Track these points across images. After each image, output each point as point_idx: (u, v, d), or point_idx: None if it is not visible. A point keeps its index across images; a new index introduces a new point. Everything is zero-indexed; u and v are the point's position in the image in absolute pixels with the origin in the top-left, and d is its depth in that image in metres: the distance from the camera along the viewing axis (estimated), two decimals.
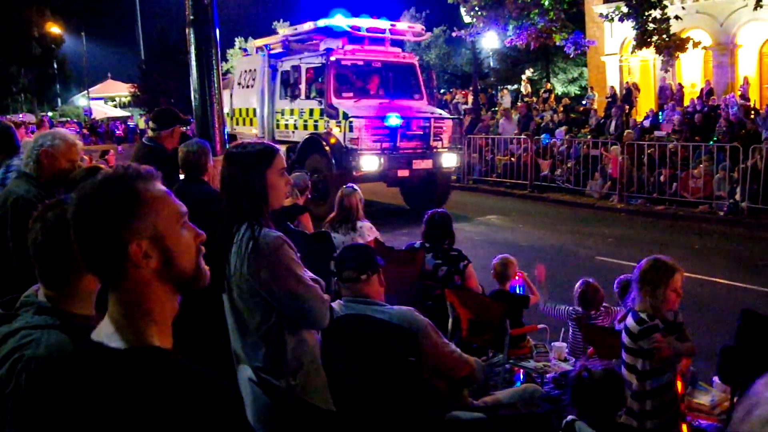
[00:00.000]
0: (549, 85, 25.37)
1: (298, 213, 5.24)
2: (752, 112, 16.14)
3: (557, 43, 16.89)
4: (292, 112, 13.56)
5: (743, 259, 9.60)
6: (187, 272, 1.43)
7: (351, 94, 12.87)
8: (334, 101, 12.44)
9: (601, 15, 17.86)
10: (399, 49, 14.12)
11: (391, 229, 10.32)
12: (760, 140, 13.69)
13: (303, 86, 13.09)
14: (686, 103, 18.74)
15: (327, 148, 12.06)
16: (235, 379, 2.75)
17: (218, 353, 2.87)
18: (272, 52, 14.27)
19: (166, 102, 47.44)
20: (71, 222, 1.36)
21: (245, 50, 17.06)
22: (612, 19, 16.38)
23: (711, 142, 14.19)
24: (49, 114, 49.79)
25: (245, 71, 15.28)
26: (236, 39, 44.08)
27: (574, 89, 28.18)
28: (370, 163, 11.93)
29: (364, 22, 13.29)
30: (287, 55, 13.99)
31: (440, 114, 13.53)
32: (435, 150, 12.65)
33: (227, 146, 5.74)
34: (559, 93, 26.32)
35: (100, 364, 1.32)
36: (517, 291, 5.17)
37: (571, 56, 19.53)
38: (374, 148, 12.04)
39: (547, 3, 14.28)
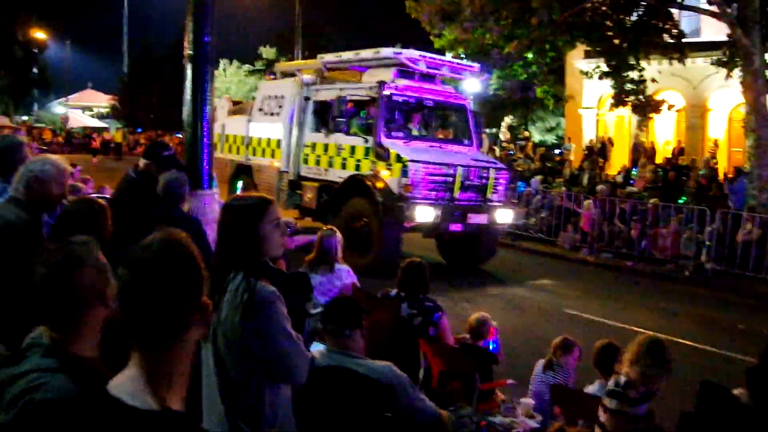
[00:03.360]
0: (527, 132, 25.86)
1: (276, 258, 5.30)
2: (723, 175, 16.65)
3: (538, 96, 17.34)
4: (326, 147, 12.14)
5: (707, 322, 9.86)
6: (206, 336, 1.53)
7: (401, 134, 11.72)
8: (384, 141, 11.17)
9: (581, 72, 18.39)
10: (451, 88, 13.08)
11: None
12: (726, 203, 14.16)
13: (345, 120, 11.67)
14: (658, 160, 19.30)
15: (376, 192, 10.71)
16: None
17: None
18: (304, 78, 13.03)
19: (146, 116, 47.33)
20: (136, 290, 1.40)
21: (272, 73, 15.72)
22: (591, 77, 16.87)
23: (681, 201, 14.62)
24: (24, 118, 49.20)
25: (269, 97, 13.86)
26: (221, 60, 44.25)
27: (551, 138, 28.79)
28: (425, 213, 10.59)
29: (422, 56, 12.15)
30: (321, 84, 12.85)
31: (496, 163, 12.57)
32: (491, 203, 11.50)
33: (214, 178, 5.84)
34: (537, 141, 26.85)
35: (122, 422, 1.36)
36: (490, 347, 5.27)
37: (550, 108, 19.99)
38: (430, 197, 10.77)
39: (530, 56, 14.71)
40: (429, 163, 10.88)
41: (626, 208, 14.55)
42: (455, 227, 11.07)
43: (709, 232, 12.91)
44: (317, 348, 3.32)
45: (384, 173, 10.90)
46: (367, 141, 11.33)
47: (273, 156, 13.36)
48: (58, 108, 56.36)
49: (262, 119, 13.92)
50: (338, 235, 6.07)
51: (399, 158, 10.76)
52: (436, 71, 12.28)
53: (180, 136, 37.83)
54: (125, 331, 1.45)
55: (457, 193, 11.04)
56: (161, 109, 44.55)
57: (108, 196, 5.49)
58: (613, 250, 14.32)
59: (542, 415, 4.76)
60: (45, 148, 27.68)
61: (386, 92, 11.35)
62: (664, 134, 22.50)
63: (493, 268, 12.45)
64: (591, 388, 4.66)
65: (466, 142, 12.65)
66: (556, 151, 24.36)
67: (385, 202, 10.55)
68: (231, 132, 15.01)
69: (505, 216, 11.76)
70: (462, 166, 11.13)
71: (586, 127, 23.85)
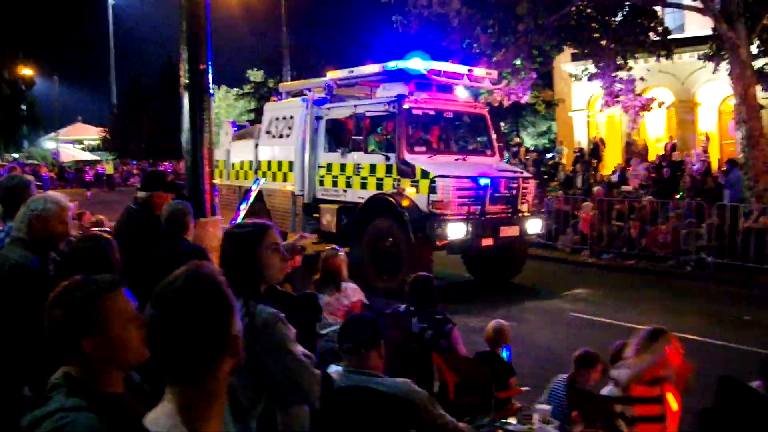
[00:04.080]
0: (518, 138, 25.95)
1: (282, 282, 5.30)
2: (717, 168, 16.73)
3: (529, 102, 17.42)
4: (343, 167, 11.72)
5: (713, 315, 9.85)
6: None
7: (424, 149, 11.26)
8: (408, 157, 10.77)
9: (570, 75, 18.48)
10: (470, 98, 12.69)
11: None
12: (722, 196, 14.23)
13: (363, 138, 11.27)
14: (652, 158, 19.40)
15: (403, 211, 10.30)
16: None
17: None
18: (315, 97, 12.58)
19: (137, 147, 47.39)
20: (164, 328, 1.41)
21: (276, 94, 15.33)
22: (580, 79, 16.98)
23: (679, 196, 14.69)
24: (15, 155, 49.19)
25: (277, 119, 13.39)
26: (211, 86, 44.31)
27: (543, 142, 28.91)
28: (456, 230, 10.18)
29: (442, 66, 11.66)
30: (331, 102, 12.42)
31: (523, 172, 12.28)
32: (521, 215, 11.15)
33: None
34: (529, 146, 26.97)
35: None
36: (503, 355, 5.27)
37: (541, 113, 20.08)
38: (460, 212, 10.36)
39: (519, 62, 14.82)
40: (458, 177, 10.46)
41: (623, 208, 14.60)
42: (487, 242, 10.62)
43: (708, 225, 12.97)
44: (334, 369, 3.31)
45: (410, 191, 10.54)
46: (388, 158, 10.94)
47: (285, 180, 12.93)
48: (48, 143, 56.36)
49: (270, 142, 13.48)
50: (342, 253, 6.07)
51: (425, 174, 10.37)
52: (455, 81, 11.90)
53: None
54: (156, 367, 1.45)
55: (487, 207, 10.62)
56: (152, 138, 44.63)
57: (109, 230, 5.48)
58: (613, 250, 14.34)
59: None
60: (40, 184, 27.60)
61: (406, 106, 10.94)
62: (656, 131, 22.63)
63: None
64: (606, 390, 4.66)
65: (488, 152, 12.24)
66: (549, 155, 24.47)
67: (414, 220, 10.16)
68: (237, 157, 14.59)
69: (534, 226, 11.42)
70: (491, 177, 10.74)
71: (577, 129, 23.98)
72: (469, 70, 12.09)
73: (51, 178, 38.07)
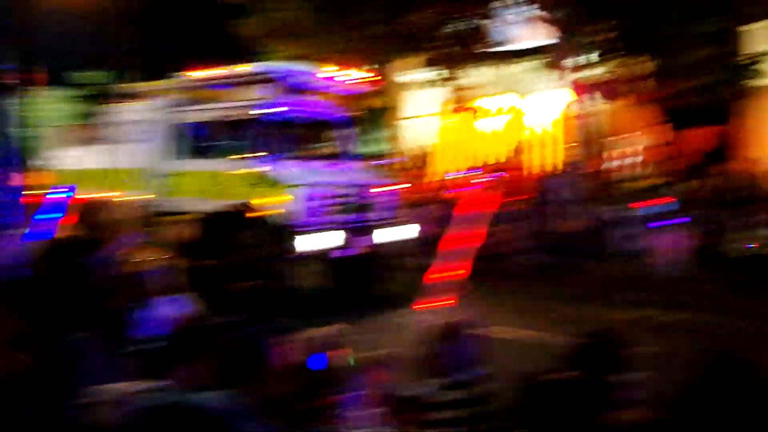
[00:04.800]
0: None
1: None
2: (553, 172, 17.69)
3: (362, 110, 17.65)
4: (197, 175, 11.09)
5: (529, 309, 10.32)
6: None
7: (285, 155, 10.72)
8: (268, 164, 10.34)
9: (404, 84, 18.68)
10: (332, 102, 12.26)
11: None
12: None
13: (218, 143, 10.79)
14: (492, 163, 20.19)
15: (263, 222, 9.65)
16: None
17: None
18: (165, 100, 11.86)
19: None
20: None
21: (119, 96, 14.15)
22: (417, 88, 17.35)
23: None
24: None
25: (121, 122, 12.54)
26: (31, 88, 41.15)
27: (378, 150, 29.43)
28: (320, 240, 9.86)
29: (309, 69, 11.39)
30: (186, 105, 11.63)
31: (386, 179, 12.02)
32: (387, 221, 10.88)
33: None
34: (364, 154, 27.32)
35: None
36: (334, 362, 5.26)
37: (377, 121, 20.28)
38: (324, 221, 10.07)
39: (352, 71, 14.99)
40: (321, 184, 10.20)
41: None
42: (351, 251, 10.33)
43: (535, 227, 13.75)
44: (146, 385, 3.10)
45: (270, 200, 10.02)
46: (247, 165, 10.40)
47: (129, 188, 11.84)
48: None
49: (113, 149, 12.46)
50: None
51: (286, 182, 10.02)
52: (323, 83, 11.52)
53: None
54: None
55: (351, 215, 10.39)
56: None
57: None
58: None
59: None
60: None
61: (267, 110, 10.50)
62: (494, 137, 23.64)
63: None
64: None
65: (351, 158, 11.93)
66: (386, 162, 24.84)
67: (275, 231, 9.60)
68: (70, 165, 13.26)
69: (399, 233, 11.16)
70: (355, 185, 10.56)
71: (414, 137, 24.53)
72: (340, 72, 11.81)
73: None
